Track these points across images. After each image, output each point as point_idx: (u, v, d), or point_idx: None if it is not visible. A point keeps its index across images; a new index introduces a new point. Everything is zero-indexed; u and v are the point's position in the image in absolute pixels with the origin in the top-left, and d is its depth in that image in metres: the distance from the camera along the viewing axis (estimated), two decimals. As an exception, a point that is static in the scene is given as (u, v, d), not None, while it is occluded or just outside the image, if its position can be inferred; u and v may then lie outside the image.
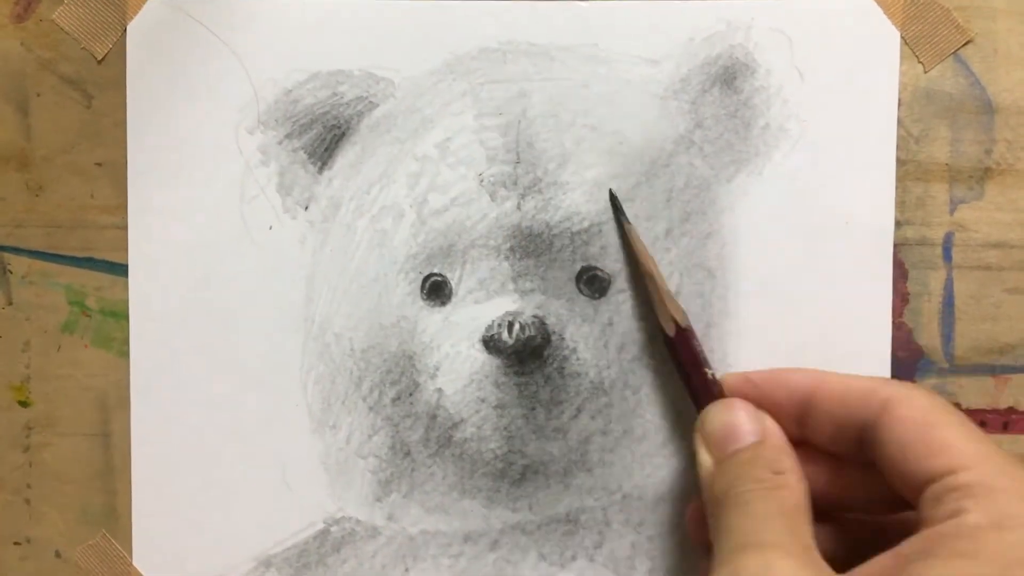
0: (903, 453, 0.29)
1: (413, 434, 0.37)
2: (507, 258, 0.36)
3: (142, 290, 0.37)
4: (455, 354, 0.36)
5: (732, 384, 0.33)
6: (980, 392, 0.37)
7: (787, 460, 0.31)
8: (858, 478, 0.32)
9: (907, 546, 0.27)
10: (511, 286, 0.36)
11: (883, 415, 0.30)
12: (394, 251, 0.36)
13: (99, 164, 0.37)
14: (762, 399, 0.33)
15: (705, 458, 0.32)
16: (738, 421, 0.32)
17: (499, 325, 0.36)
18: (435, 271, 0.36)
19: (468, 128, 0.36)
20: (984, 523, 0.27)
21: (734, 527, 0.29)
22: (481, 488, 0.37)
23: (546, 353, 0.36)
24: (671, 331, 0.34)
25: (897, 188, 0.36)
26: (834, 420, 0.31)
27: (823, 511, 0.31)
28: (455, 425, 0.36)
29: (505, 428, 0.36)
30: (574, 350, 0.36)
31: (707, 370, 0.34)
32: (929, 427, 0.29)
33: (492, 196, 0.36)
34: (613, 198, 0.36)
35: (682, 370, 0.34)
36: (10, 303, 0.37)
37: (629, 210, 0.36)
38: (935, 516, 0.28)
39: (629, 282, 0.36)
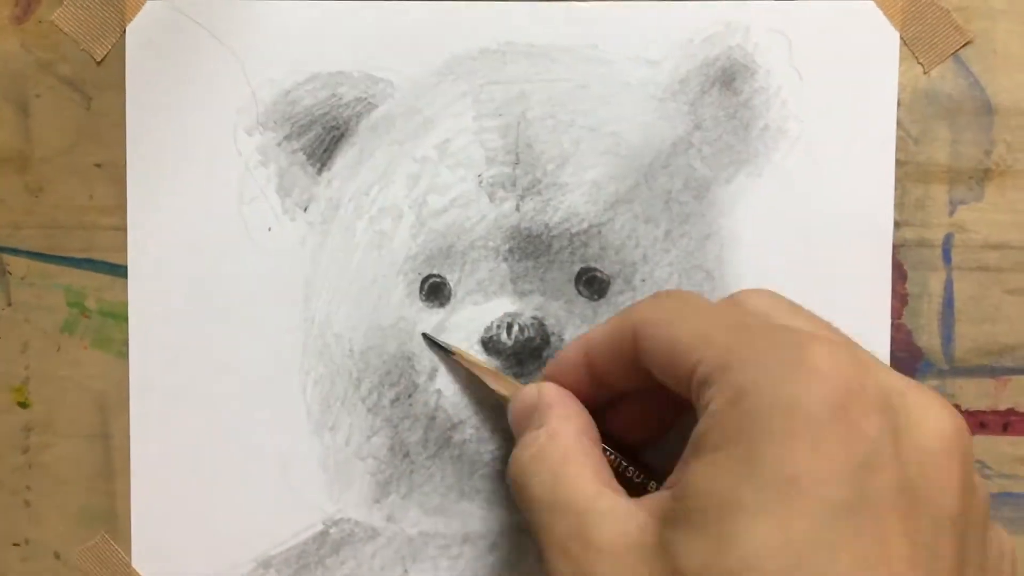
0: (661, 371, 0.29)
1: (412, 435, 0.37)
2: (506, 259, 0.36)
3: (142, 291, 0.37)
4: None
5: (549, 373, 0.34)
6: (980, 393, 0.37)
7: (551, 411, 0.31)
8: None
9: (685, 453, 0.27)
10: (510, 287, 0.36)
11: (636, 345, 0.30)
12: (393, 252, 0.36)
13: (98, 165, 0.37)
14: (562, 384, 0.33)
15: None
16: (519, 403, 0.32)
17: (498, 326, 0.36)
18: (434, 272, 0.36)
19: (467, 129, 0.36)
20: (723, 405, 0.26)
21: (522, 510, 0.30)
22: (480, 489, 0.37)
23: (545, 354, 0.36)
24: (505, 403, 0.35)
25: (896, 189, 0.36)
26: (613, 369, 0.31)
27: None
28: (454, 426, 0.36)
29: (504, 429, 0.36)
30: (573, 351, 0.36)
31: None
32: (669, 337, 0.28)
33: (491, 197, 0.36)
34: (427, 338, 0.36)
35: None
36: (9, 304, 0.37)
37: (628, 211, 0.36)
38: (698, 416, 0.27)
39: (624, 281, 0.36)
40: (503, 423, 0.36)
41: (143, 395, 0.37)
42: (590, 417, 0.31)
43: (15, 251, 0.37)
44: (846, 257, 0.36)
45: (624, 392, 0.32)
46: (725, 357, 0.26)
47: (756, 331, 0.27)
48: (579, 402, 0.32)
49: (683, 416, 0.32)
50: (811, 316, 0.30)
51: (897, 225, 0.36)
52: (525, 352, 0.36)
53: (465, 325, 0.36)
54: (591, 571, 0.27)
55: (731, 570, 0.24)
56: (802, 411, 0.24)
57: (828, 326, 0.29)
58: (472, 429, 0.36)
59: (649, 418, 0.33)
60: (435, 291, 0.36)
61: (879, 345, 0.36)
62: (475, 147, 0.36)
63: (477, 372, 0.35)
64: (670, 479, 0.28)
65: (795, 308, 0.30)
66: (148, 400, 0.37)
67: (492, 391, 0.35)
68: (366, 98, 0.36)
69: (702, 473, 0.25)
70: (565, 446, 0.30)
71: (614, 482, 0.29)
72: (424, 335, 0.36)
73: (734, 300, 0.30)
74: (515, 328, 0.36)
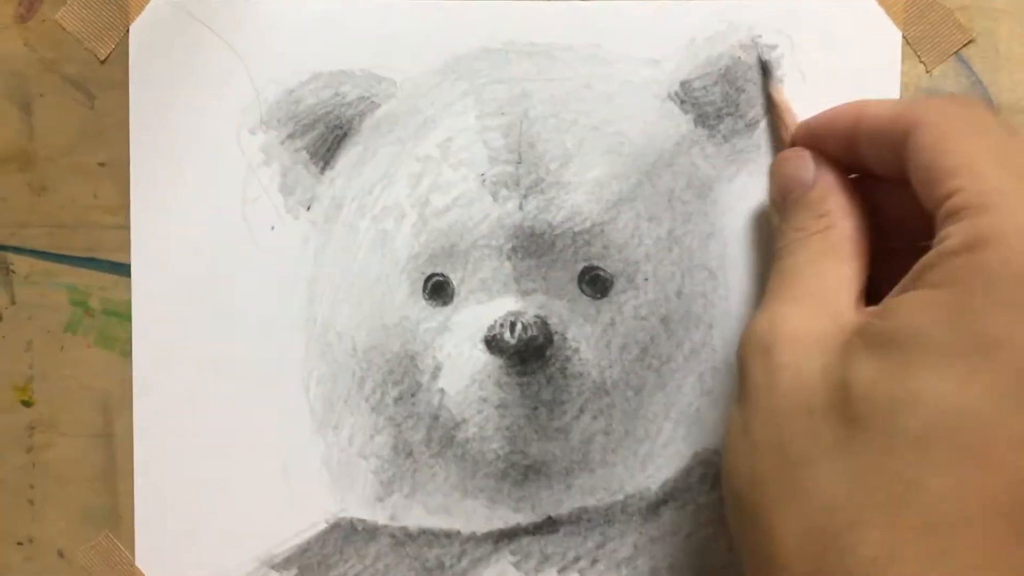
0: (919, 182, 0.28)
1: (415, 434, 0.37)
2: (509, 258, 0.36)
3: (145, 290, 0.37)
4: (457, 354, 0.36)
5: (796, 136, 0.34)
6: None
7: (831, 201, 0.30)
8: (916, 204, 0.29)
9: (905, 279, 0.27)
10: (513, 286, 0.36)
11: (907, 140, 0.28)
12: (396, 251, 0.36)
13: (102, 164, 0.37)
14: (818, 142, 0.32)
15: (773, 215, 0.32)
16: (790, 171, 0.32)
17: (501, 325, 0.36)
18: (437, 271, 0.36)
19: (470, 128, 0.36)
20: (957, 246, 0.25)
21: (772, 282, 0.30)
22: (483, 488, 0.37)
23: (548, 353, 0.36)
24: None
25: (899, 188, 0.36)
26: (874, 148, 0.30)
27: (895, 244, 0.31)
28: (457, 425, 0.36)
29: (507, 428, 0.36)
30: (576, 350, 0.36)
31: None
32: (938, 151, 0.27)
33: (494, 196, 0.36)
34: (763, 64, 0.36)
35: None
36: (13, 303, 0.37)
37: (631, 210, 0.36)
38: (933, 245, 0.26)
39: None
40: (506, 422, 0.36)
41: (146, 394, 0.37)
42: (866, 216, 0.31)
43: (19, 250, 0.37)
44: (849, 256, 0.36)
45: (882, 176, 0.31)
46: (986, 198, 0.25)
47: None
48: (858, 195, 0.31)
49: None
50: None
51: (900, 224, 0.36)
52: (528, 351, 0.36)
53: (468, 324, 0.36)
54: (780, 339, 0.28)
55: (897, 399, 0.24)
56: None
57: None
58: (475, 428, 0.36)
59: (905, 217, 0.31)
60: (438, 290, 0.36)
61: (882, 344, 0.36)
62: (478, 146, 0.36)
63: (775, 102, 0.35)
64: (884, 301, 0.27)
65: None
66: (151, 399, 0.37)
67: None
68: (369, 97, 0.37)
69: (910, 304, 0.25)
70: (840, 239, 0.30)
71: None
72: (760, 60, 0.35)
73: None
74: (518, 327, 0.36)
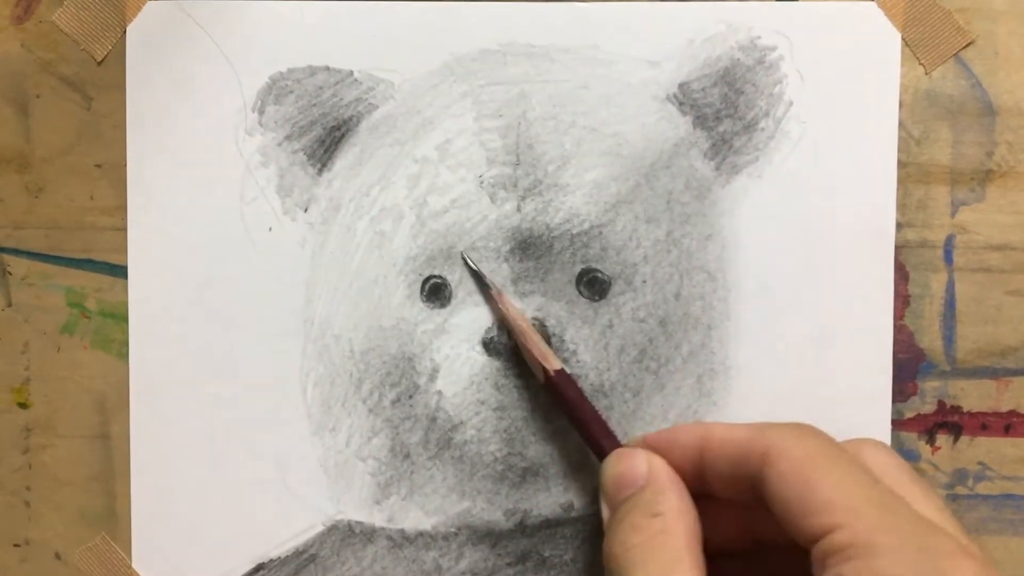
0: (786, 511, 0.28)
1: (413, 436, 0.37)
2: (507, 260, 0.36)
3: (142, 292, 0.37)
4: (455, 356, 0.36)
5: (636, 442, 0.33)
6: (981, 395, 0.36)
7: (667, 500, 0.30)
8: (772, 522, 0.30)
9: None
10: (511, 288, 0.36)
11: (764, 469, 0.29)
12: (394, 253, 0.36)
13: (99, 165, 0.37)
14: (673, 459, 0.32)
15: (604, 511, 0.32)
16: (623, 469, 0.32)
17: (499, 327, 0.36)
18: (435, 273, 0.36)
19: (468, 130, 0.36)
20: None
21: None
22: (481, 490, 0.36)
23: (546, 355, 0.36)
24: (541, 377, 0.34)
25: (898, 190, 0.36)
26: (724, 475, 0.30)
27: (750, 548, 0.31)
28: (455, 427, 0.36)
29: (505, 430, 0.36)
30: (574, 352, 0.36)
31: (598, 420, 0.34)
32: (806, 483, 0.28)
33: (492, 198, 0.36)
34: (465, 259, 0.36)
35: (572, 416, 0.34)
36: (9, 304, 0.37)
37: (629, 212, 0.36)
38: (812, 572, 0.27)
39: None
40: (503, 424, 0.36)
41: (143, 396, 0.37)
42: (697, 515, 0.31)
43: (15, 251, 0.37)
44: (848, 258, 0.36)
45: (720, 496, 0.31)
46: (871, 537, 0.26)
47: (904, 519, 0.27)
48: (688, 494, 0.31)
49: (778, 549, 0.31)
50: (929, 490, 0.30)
51: (899, 226, 0.36)
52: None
53: (466, 326, 0.36)
54: None
55: None
56: None
57: (956, 525, 0.29)
58: (473, 430, 0.36)
59: (739, 531, 0.32)
60: (436, 292, 0.36)
61: (881, 346, 0.36)
62: (476, 148, 0.36)
63: (519, 337, 0.34)
64: None
65: (911, 472, 0.30)
66: (148, 401, 0.37)
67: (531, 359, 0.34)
68: (367, 99, 0.36)
69: None
70: (678, 548, 0.29)
71: None
72: (462, 255, 0.35)
73: (856, 452, 0.30)
74: (516, 329, 0.35)
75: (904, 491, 0.28)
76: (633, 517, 0.30)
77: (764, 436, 0.29)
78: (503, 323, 0.35)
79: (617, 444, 0.33)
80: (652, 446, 0.32)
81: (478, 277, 0.36)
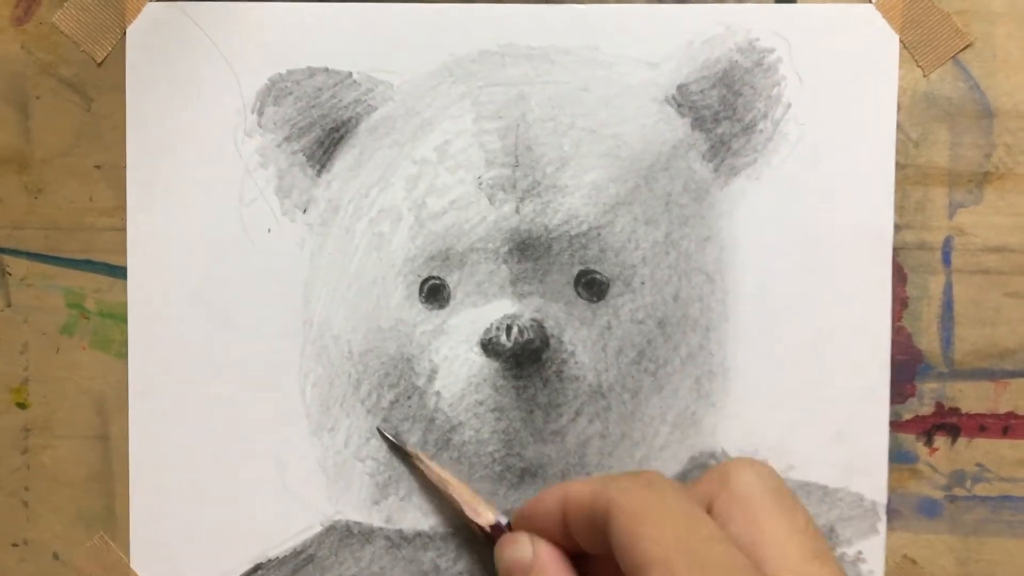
0: (623, 565, 0.28)
1: (411, 437, 0.37)
2: (505, 261, 0.36)
3: (141, 292, 0.37)
4: (453, 357, 0.36)
5: (515, 521, 0.34)
6: (979, 397, 0.36)
7: None
8: None
9: None
10: (509, 289, 0.36)
11: (607, 525, 0.29)
12: (392, 254, 0.36)
13: (98, 166, 0.37)
14: (533, 525, 0.33)
15: None
16: (509, 554, 0.33)
17: (497, 328, 0.36)
18: (433, 274, 0.36)
19: (467, 131, 0.36)
20: None
21: None
22: (478, 491, 0.36)
23: (544, 356, 0.36)
24: (488, 527, 0.35)
25: (896, 192, 0.36)
26: (585, 534, 0.31)
27: None
28: (453, 428, 0.36)
29: (503, 431, 0.36)
30: (572, 353, 0.36)
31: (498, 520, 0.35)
32: (632, 536, 0.28)
33: (491, 199, 0.36)
34: (383, 434, 0.36)
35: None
36: (9, 305, 0.37)
37: (628, 213, 0.36)
38: None
39: (628, 283, 0.36)
40: (502, 425, 0.36)
41: (142, 396, 0.37)
42: None
43: (15, 252, 0.37)
44: (846, 260, 0.36)
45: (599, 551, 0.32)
46: None
47: (716, 567, 0.27)
48: (570, 565, 0.32)
49: None
50: (793, 506, 0.30)
51: (897, 228, 0.36)
52: (524, 354, 0.36)
53: (464, 327, 0.36)
54: None
55: None
56: None
57: (817, 535, 0.30)
58: (471, 431, 0.36)
59: None
60: (434, 293, 0.36)
61: (879, 348, 0.36)
62: (475, 149, 0.36)
63: (442, 488, 0.35)
64: None
65: (777, 492, 0.30)
66: (147, 401, 0.37)
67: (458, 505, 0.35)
68: (366, 100, 0.36)
69: None
70: None
71: None
72: (379, 430, 0.36)
73: (722, 475, 0.30)
74: (514, 330, 0.35)
75: (763, 512, 0.29)
76: None
77: (606, 490, 0.30)
78: (431, 487, 0.36)
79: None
80: (526, 518, 0.33)
81: (397, 448, 0.36)
